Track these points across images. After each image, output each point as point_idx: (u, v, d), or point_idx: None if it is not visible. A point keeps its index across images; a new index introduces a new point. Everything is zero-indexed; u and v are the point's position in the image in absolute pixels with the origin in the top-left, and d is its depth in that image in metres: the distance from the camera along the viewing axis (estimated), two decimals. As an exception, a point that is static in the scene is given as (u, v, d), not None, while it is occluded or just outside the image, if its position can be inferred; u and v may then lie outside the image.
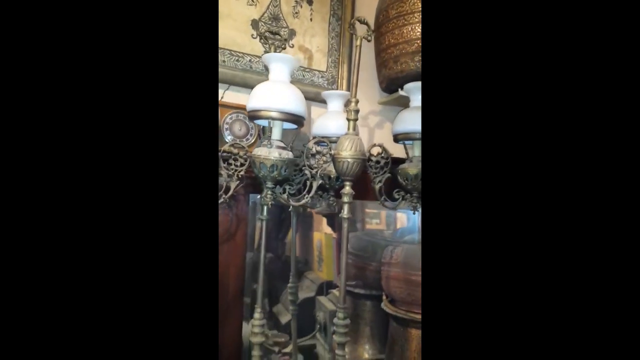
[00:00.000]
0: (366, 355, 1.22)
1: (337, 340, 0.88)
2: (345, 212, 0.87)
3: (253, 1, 1.01)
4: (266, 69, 0.79)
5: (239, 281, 0.97)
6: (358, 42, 0.86)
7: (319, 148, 0.83)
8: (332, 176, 0.94)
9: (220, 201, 0.82)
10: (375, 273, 1.17)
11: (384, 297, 1.08)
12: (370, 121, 1.25)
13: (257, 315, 0.87)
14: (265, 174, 0.75)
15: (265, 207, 0.84)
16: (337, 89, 1.15)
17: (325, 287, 1.86)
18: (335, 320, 0.87)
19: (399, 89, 1.07)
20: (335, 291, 1.59)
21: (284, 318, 1.86)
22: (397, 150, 0.98)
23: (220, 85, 0.95)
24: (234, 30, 0.97)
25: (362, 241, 1.36)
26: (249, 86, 0.91)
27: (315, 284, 2.00)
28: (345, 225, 0.90)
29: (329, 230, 2.33)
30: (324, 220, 2.44)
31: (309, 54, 1.10)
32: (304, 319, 1.73)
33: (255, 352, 0.87)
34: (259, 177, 0.81)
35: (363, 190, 1.01)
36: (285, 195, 0.81)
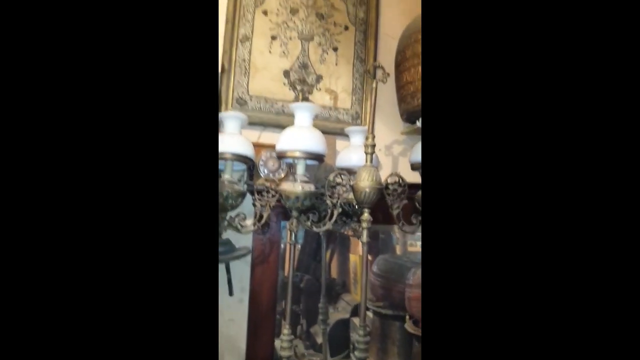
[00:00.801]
0: (393, 375, 1.26)
1: (357, 356, 0.95)
2: (364, 237, 0.96)
3: (285, 53, 1.17)
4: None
5: (271, 299, 1.08)
6: (374, 85, 0.97)
7: (339, 180, 0.94)
8: (353, 204, 1.04)
9: (254, 228, 0.96)
10: (401, 294, 1.23)
11: (407, 318, 1.13)
12: (394, 150, 1.34)
13: (285, 330, 0.97)
14: (290, 205, 0.88)
15: (292, 233, 0.96)
16: (361, 123, 1.26)
17: (359, 309, 1.91)
18: (355, 336, 0.94)
19: (417, 121, 1.16)
20: (369, 313, 1.65)
21: (320, 338, 1.94)
22: (416, 178, 1.06)
23: (256, 127, 1.11)
24: (269, 80, 1.14)
25: (389, 263, 1.43)
26: (282, 127, 1.06)
27: (350, 305, 2.05)
28: (364, 249, 0.99)
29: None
30: (360, 243, 2.49)
31: (334, 95, 1.23)
32: (338, 340, 1.80)
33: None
34: (287, 209, 0.94)
35: (387, 215, 1.09)
36: (309, 223, 0.93)
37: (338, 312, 2.05)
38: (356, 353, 0.96)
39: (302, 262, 1.92)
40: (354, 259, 2.46)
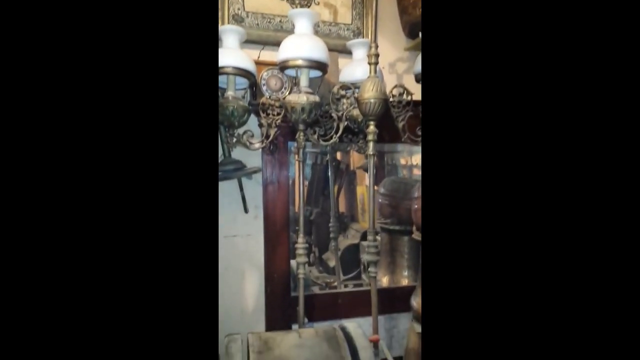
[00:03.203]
0: (404, 282, 1.36)
1: (367, 259, 1.02)
2: (370, 149, 0.98)
3: (279, -36, 1.10)
4: (294, 26, 0.90)
5: (284, 216, 1.14)
6: (375, -9, 0.93)
7: (343, 92, 0.94)
8: (359, 120, 1.05)
9: (262, 146, 0.98)
10: (408, 210, 1.28)
11: (413, 229, 1.19)
12: (398, 67, 1.31)
13: (300, 239, 1.04)
14: (297, 118, 0.89)
15: (300, 150, 0.98)
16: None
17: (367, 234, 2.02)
18: (365, 243, 1.01)
19: (420, 34, 1.11)
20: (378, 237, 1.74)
21: (332, 263, 2.07)
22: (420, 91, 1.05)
23: (255, 45, 1.08)
24: (265, -5, 1.09)
25: (395, 183, 1.47)
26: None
27: (359, 232, 2.15)
28: (371, 161, 1.01)
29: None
30: (366, 175, 2.55)
31: (334, 9, 1.17)
32: (350, 262, 1.92)
33: (300, 271, 1.05)
34: (293, 123, 0.95)
35: (392, 134, 1.10)
36: (315, 136, 0.94)
37: (348, 239, 2.17)
38: (366, 256, 1.03)
39: (310, 197, 1.99)
40: (360, 190, 2.52)
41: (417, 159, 2.29)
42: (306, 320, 1.07)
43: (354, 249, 2.09)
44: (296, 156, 1.01)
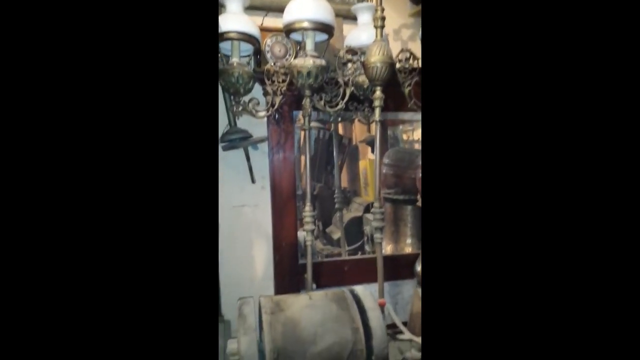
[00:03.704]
0: (408, 250, 1.39)
1: (374, 225, 1.04)
2: (376, 115, 0.98)
3: None
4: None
5: (290, 186, 1.15)
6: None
7: (349, 56, 0.92)
8: (365, 86, 1.03)
9: (268, 114, 0.97)
10: (412, 180, 1.28)
11: (418, 197, 1.20)
12: (402, 34, 1.28)
13: (307, 207, 1.05)
14: (303, 83, 0.87)
15: (306, 118, 0.97)
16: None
17: (371, 207, 2.04)
18: (368, 215, 1.02)
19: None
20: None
21: (336, 235, 2.10)
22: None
23: (258, 12, 1.05)
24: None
25: (399, 153, 1.47)
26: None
27: (362, 205, 2.18)
28: (377, 128, 1.01)
29: (372, 157, 2.45)
30: (369, 149, 2.55)
31: (338, -28, 1.14)
32: (353, 234, 1.95)
33: (308, 238, 1.07)
34: (299, 89, 0.94)
35: (398, 102, 1.09)
36: (322, 103, 0.94)
37: (351, 212, 2.19)
38: (373, 223, 1.05)
39: (313, 172, 2.00)
40: (363, 164, 2.53)
41: (418, 134, 2.28)
42: (314, 286, 1.10)
43: (358, 222, 2.12)
44: (302, 123, 1.00)
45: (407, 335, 0.91)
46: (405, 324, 1.22)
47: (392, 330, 1.01)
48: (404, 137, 2.40)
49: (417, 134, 2.33)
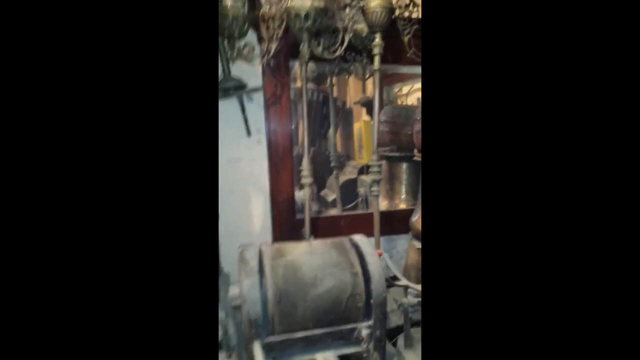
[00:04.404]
0: (402, 206, 1.41)
1: (372, 178, 1.04)
2: (375, 64, 0.95)
3: None
4: None
5: (287, 140, 1.13)
6: None
7: (347, 0, 0.88)
8: (363, 35, 1.00)
9: (263, 61, 0.94)
10: (408, 136, 1.28)
11: (415, 151, 1.20)
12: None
13: (305, 160, 1.04)
14: (300, 26, 0.84)
15: (303, 67, 0.94)
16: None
17: (365, 169, 2.05)
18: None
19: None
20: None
21: (331, 197, 2.12)
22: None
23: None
24: None
25: (396, 109, 1.45)
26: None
27: (356, 168, 2.19)
28: (377, 78, 0.99)
29: (367, 118, 2.42)
30: (363, 111, 2.52)
31: None
32: (348, 195, 1.97)
33: (306, 191, 1.07)
34: (296, 33, 0.90)
35: (396, 55, 1.06)
36: (320, 48, 0.90)
37: (345, 175, 2.20)
38: (370, 176, 1.05)
39: (309, 129, 2.00)
40: (357, 126, 2.51)
41: (412, 99, 2.26)
42: (312, 238, 1.11)
43: (352, 184, 2.13)
44: (300, 71, 0.97)
45: (403, 281, 0.94)
46: (399, 275, 1.26)
47: (388, 281, 1.04)
48: (398, 102, 2.37)
49: (411, 99, 2.31)
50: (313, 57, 0.94)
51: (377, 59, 0.93)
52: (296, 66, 1.14)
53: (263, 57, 0.92)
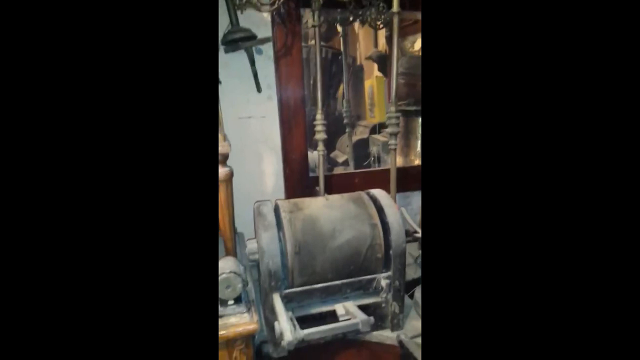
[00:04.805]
0: (417, 162, 1.38)
1: (389, 131, 1.00)
2: (395, 6, 0.88)
3: None
4: None
5: (299, 95, 1.09)
6: None
7: None
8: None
9: (273, 8, 0.88)
10: (426, 89, 1.22)
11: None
12: None
13: (318, 116, 1.01)
14: (312, -36, 0.77)
15: (315, 13, 0.88)
16: None
17: (377, 127, 2.00)
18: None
19: None
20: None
21: (341, 158, 2.09)
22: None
23: None
24: None
25: (413, 59, 1.38)
26: None
27: (368, 127, 2.13)
28: (395, 21, 0.92)
29: (379, 74, 2.33)
30: (374, 67, 2.42)
31: None
32: (361, 155, 1.94)
33: (320, 147, 1.04)
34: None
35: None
36: (333, -10, 0.84)
37: (357, 135, 2.16)
38: (388, 129, 1.01)
39: (322, 80, 1.96)
40: (369, 83, 2.42)
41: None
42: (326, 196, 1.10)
43: (363, 144, 2.10)
44: (311, 21, 0.91)
45: (421, 234, 0.93)
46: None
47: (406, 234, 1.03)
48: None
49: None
50: (326, 3, 0.88)
51: (396, 1, 0.87)
52: (306, 14, 1.08)
53: (273, 3, 0.86)
